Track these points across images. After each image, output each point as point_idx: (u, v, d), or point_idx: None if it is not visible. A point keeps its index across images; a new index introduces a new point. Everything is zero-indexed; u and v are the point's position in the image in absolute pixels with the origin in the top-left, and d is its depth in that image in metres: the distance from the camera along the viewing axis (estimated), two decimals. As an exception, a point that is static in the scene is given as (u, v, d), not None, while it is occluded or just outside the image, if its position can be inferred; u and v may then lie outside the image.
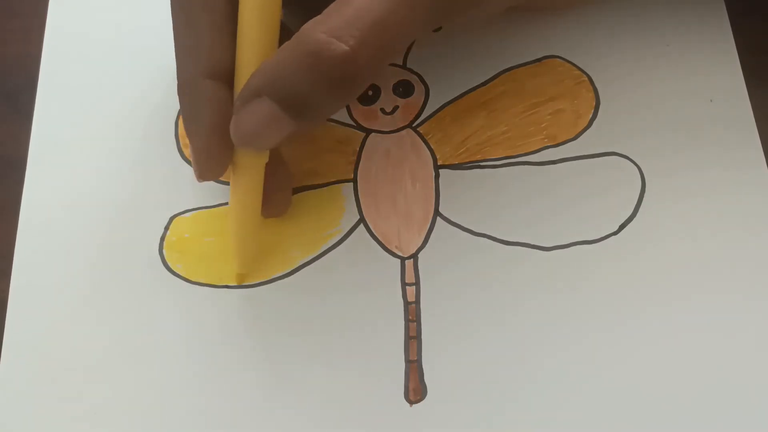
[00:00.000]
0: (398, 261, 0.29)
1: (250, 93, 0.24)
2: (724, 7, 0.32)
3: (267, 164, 0.27)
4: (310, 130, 0.26)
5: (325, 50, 0.23)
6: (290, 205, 0.30)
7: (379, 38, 0.23)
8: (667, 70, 0.31)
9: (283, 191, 0.29)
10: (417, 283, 0.29)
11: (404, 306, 0.29)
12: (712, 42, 0.32)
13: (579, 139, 0.30)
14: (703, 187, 0.29)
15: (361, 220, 0.30)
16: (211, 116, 0.25)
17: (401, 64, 0.32)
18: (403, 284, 0.29)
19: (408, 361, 0.28)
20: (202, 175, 0.27)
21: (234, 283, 0.29)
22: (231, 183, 0.27)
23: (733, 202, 0.29)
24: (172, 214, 0.30)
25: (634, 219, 0.29)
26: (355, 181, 0.30)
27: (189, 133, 0.26)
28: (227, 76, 0.26)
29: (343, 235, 0.30)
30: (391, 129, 0.31)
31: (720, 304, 0.28)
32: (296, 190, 0.30)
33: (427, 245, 0.29)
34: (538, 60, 0.32)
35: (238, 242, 0.28)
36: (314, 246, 0.29)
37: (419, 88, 0.32)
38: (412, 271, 0.29)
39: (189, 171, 0.31)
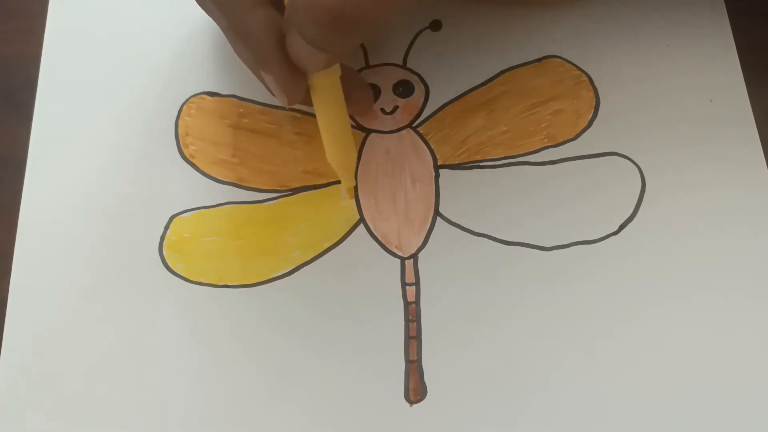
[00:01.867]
0: (398, 261, 0.29)
1: (284, 24, 0.25)
2: (724, 7, 0.32)
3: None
4: (342, 61, 0.27)
5: None
6: (371, 107, 0.31)
7: None
8: (666, 70, 0.31)
9: (362, 87, 0.30)
10: (417, 283, 0.29)
11: (404, 306, 0.29)
12: (712, 41, 0.32)
13: (579, 139, 0.30)
14: (702, 186, 0.29)
15: (361, 220, 0.30)
16: (274, 43, 0.26)
17: (401, 64, 0.32)
18: (403, 284, 0.29)
19: (408, 361, 0.28)
20: (292, 100, 0.27)
21: (238, 284, 0.29)
22: (314, 103, 0.28)
23: (733, 202, 0.29)
24: (172, 214, 0.30)
25: (634, 219, 0.29)
26: (355, 180, 0.30)
27: (260, 67, 0.27)
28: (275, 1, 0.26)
29: (343, 235, 0.30)
30: (391, 129, 0.31)
31: (720, 303, 0.28)
32: (296, 190, 0.30)
33: (427, 245, 0.29)
34: (538, 60, 0.32)
35: (337, 158, 0.29)
36: (314, 246, 0.29)
37: (419, 88, 0.32)
38: (412, 271, 0.29)
39: (189, 171, 0.31)
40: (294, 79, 0.26)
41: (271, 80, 0.27)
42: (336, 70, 0.27)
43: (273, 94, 0.28)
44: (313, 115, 0.31)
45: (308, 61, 0.26)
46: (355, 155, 0.30)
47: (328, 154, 0.29)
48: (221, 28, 0.28)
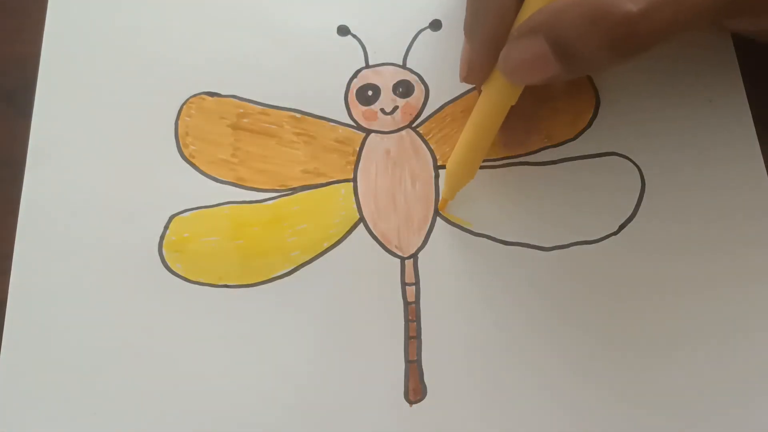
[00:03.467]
0: (398, 261, 0.29)
1: (528, 27, 0.25)
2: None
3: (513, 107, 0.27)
4: (569, 79, 0.27)
5: (612, 6, 0.23)
6: (527, 142, 0.30)
7: (670, 8, 0.23)
8: (666, 70, 0.31)
9: (520, 134, 0.30)
10: (417, 283, 0.29)
11: (404, 306, 0.29)
12: (711, 42, 0.32)
13: (579, 139, 0.30)
14: (702, 186, 0.30)
15: (361, 219, 0.30)
16: (494, 24, 0.26)
17: (401, 64, 0.32)
18: (403, 284, 0.29)
19: (408, 361, 0.28)
20: (469, 77, 0.28)
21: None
22: (472, 115, 0.28)
23: (732, 202, 0.29)
24: (171, 214, 0.30)
25: (634, 219, 0.29)
26: (355, 180, 0.30)
27: (469, 34, 0.27)
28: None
29: (342, 235, 0.30)
30: (391, 129, 0.31)
31: (719, 303, 0.28)
32: (296, 190, 0.30)
33: (426, 245, 0.29)
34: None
35: (457, 168, 0.29)
36: (314, 246, 0.29)
37: (419, 88, 0.32)
38: (412, 271, 0.29)
39: (189, 171, 0.31)
40: (485, 60, 0.26)
41: (467, 49, 0.27)
42: (514, 96, 0.27)
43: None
44: (313, 116, 0.31)
45: (532, 70, 0.25)
46: (471, 178, 0.29)
47: (451, 163, 0.29)
48: None
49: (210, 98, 0.32)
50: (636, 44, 0.24)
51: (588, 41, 0.24)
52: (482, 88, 0.27)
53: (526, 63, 0.25)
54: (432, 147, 0.31)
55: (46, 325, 0.29)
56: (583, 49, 0.24)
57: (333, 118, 0.31)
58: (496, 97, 0.27)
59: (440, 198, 0.30)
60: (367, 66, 0.32)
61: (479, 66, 0.27)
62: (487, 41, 0.26)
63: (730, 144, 0.30)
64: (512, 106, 0.27)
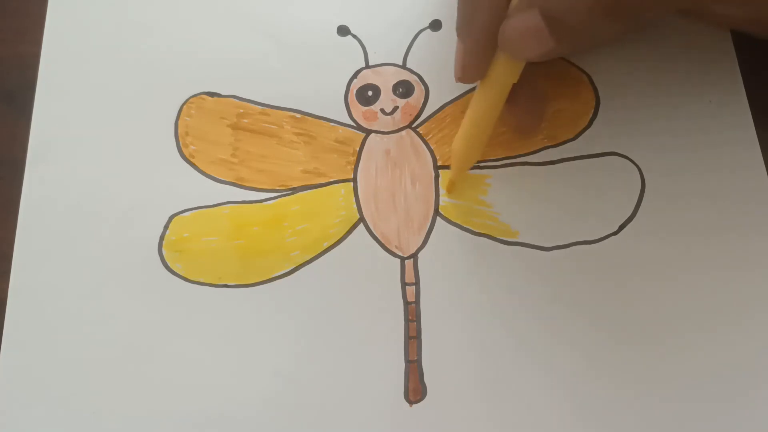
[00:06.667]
0: (398, 261, 0.29)
1: (525, 2, 0.25)
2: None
3: (516, 85, 0.27)
4: (568, 53, 0.28)
5: None
6: (540, 125, 0.30)
7: None
8: (666, 70, 0.31)
9: (533, 114, 0.30)
10: (417, 283, 0.29)
11: (404, 306, 0.29)
12: (710, 42, 0.32)
13: (579, 139, 0.30)
14: (702, 186, 0.30)
15: (361, 220, 0.30)
16: (488, 18, 0.26)
17: (401, 64, 0.32)
18: (403, 284, 0.29)
19: (408, 361, 0.28)
20: (464, 76, 0.28)
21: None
22: (476, 92, 0.28)
23: (731, 202, 0.29)
24: (171, 214, 0.30)
25: (634, 219, 0.29)
26: (354, 181, 0.30)
27: (462, 33, 0.27)
28: None
29: (342, 235, 0.30)
30: (391, 129, 0.31)
31: (719, 303, 0.28)
32: (296, 190, 0.30)
33: (426, 245, 0.29)
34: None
35: (463, 150, 0.29)
36: (314, 246, 0.29)
37: (419, 89, 0.32)
38: (412, 271, 0.29)
39: (189, 171, 0.31)
40: (478, 57, 0.27)
41: (460, 48, 0.27)
42: (515, 74, 0.27)
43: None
44: (313, 116, 0.31)
45: (525, 43, 0.26)
46: (478, 158, 0.29)
47: (457, 141, 0.29)
48: None
49: (210, 98, 0.32)
50: (623, 8, 0.24)
51: (578, 9, 0.24)
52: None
53: (523, 36, 0.25)
54: (432, 147, 0.31)
55: (46, 325, 0.29)
56: (574, 19, 0.24)
57: (333, 118, 0.31)
58: (498, 73, 0.27)
59: (449, 181, 0.30)
60: (367, 66, 0.32)
61: (473, 65, 0.27)
62: (480, 40, 0.26)
63: (730, 144, 0.30)
64: (517, 86, 0.27)
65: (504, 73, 0.27)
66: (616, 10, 0.24)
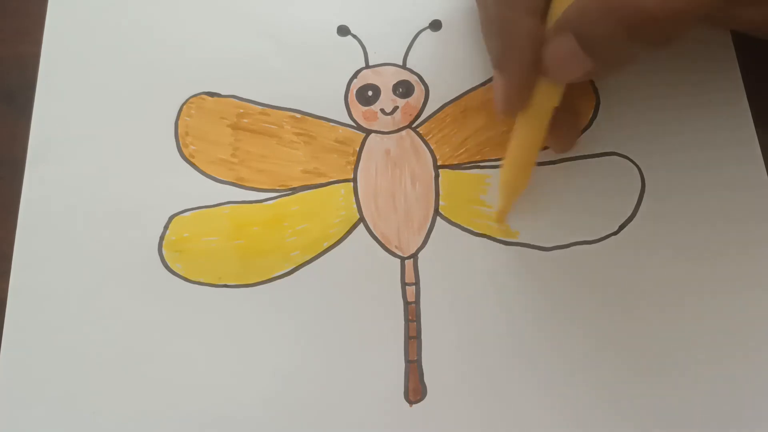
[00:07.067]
0: (398, 261, 0.29)
1: (558, 27, 0.25)
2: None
3: (556, 108, 0.27)
4: (608, 73, 0.28)
5: None
6: (574, 144, 0.30)
7: None
8: (666, 70, 0.31)
9: (570, 132, 0.30)
10: (417, 283, 0.29)
11: (404, 306, 0.29)
12: (710, 42, 0.32)
13: (579, 139, 0.30)
14: (702, 186, 0.30)
15: (361, 219, 0.30)
16: (531, 51, 0.26)
17: (401, 64, 0.32)
18: (403, 284, 0.29)
19: (408, 361, 0.28)
20: (508, 108, 0.28)
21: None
22: (519, 120, 0.28)
23: (731, 202, 0.29)
24: (171, 214, 0.30)
25: (634, 219, 0.29)
26: (355, 181, 0.30)
27: (504, 68, 0.27)
28: (543, 12, 0.26)
29: (342, 235, 0.30)
30: (391, 129, 0.31)
31: (719, 303, 0.28)
32: (296, 190, 0.30)
33: (426, 245, 0.29)
34: (538, 60, 0.32)
35: (511, 181, 0.29)
36: (314, 246, 0.29)
37: (419, 89, 0.32)
38: (412, 271, 0.29)
39: (189, 171, 0.31)
40: (522, 89, 0.27)
41: (502, 83, 0.27)
42: (555, 99, 0.27)
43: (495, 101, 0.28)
44: (313, 116, 0.31)
45: (566, 67, 0.26)
46: (526, 185, 0.29)
47: (505, 171, 0.29)
48: (480, 17, 0.29)
49: (210, 98, 0.32)
50: (655, 31, 0.24)
51: (609, 33, 0.24)
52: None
53: (561, 61, 0.25)
54: (432, 147, 0.31)
55: (46, 325, 0.29)
56: (606, 42, 0.24)
57: (333, 118, 0.31)
58: (542, 100, 0.27)
59: (498, 210, 0.30)
60: (367, 66, 0.32)
61: (518, 97, 0.27)
62: (524, 72, 0.26)
63: (730, 144, 0.30)
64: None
65: (547, 98, 0.27)
66: (645, 32, 0.24)
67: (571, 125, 0.30)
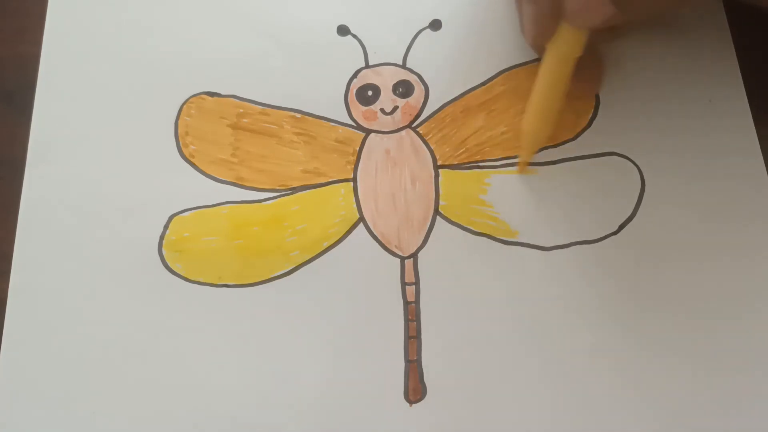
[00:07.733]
0: (398, 261, 0.29)
1: None
2: (723, 8, 0.32)
3: (579, 59, 0.27)
4: (630, 20, 0.28)
5: None
6: (597, 90, 0.31)
7: None
8: (666, 70, 0.31)
9: (592, 81, 0.31)
10: (417, 283, 0.29)
11: (404, 306, 0.29)
12: (711, 42, 0.32)
13: (579, 139, 0.30)
14: (702, 186, 0.30)
15: (361, 219, 0.30)
16: None
17: (401, 64, 0.32)
18: (403, 284, 0.29)
19: (407, 361, 0.28)
20: (536, 38, 0.29)
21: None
22: (542, 67, 0.28)
23: (731, 202, 0.29)
24: (171, 214, 0.30)
25: (634, 219, 0.29)
26: (354, 180, 0.30)
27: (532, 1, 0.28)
28: None
29: (342, 234, 0.30)
30: (391, 129, 0.31)
31: (719, 303, 0.28)
32: (295, 190, 0.30)
33: (426, 245, 0.29)
34: (538, 60, 0.32)
35: (533, 127, 0.29)
36: (314, 246, 0.29)
37: (419, 89, 0.32)
38: (412, 270, 0.29)
39: (189, 171, 0.31)
40: (549, 20, 0.27)
41: (531, 10, 0.28)
42: (582, 40, 0.27)
43: (521, 31, 0.29)
44: (313, 116, 0.31)
45: (588, 11, 0.26)
46: (549, 135, 0.30)
47: (527, 120, 0.29)
48: None
49: (210, 98, 0.32)
50: None
51: None
52: (547, 44, 0.28)
53: (584, 5, 0.26)
54: (432, 147, 0.31)
55: (46, 325, 0.29)
56: None
57: (333, 118, 0.31)
58: (563, 48, 0.27)
59: (520, 161, 0.30)
60: (367, 66, 0.32)
61: (547, 24, 0.27)
62: (546, 8, 0.27)
63: (730, 144, 0.30)
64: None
65: (569, 45, 0.27)
66: None
67: (592, 75, 0.31)
